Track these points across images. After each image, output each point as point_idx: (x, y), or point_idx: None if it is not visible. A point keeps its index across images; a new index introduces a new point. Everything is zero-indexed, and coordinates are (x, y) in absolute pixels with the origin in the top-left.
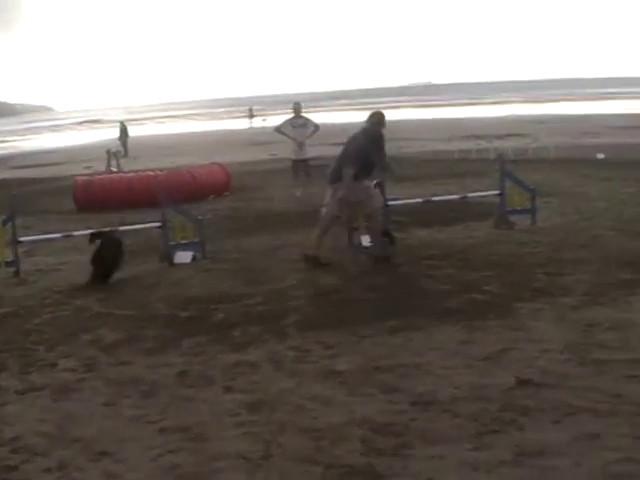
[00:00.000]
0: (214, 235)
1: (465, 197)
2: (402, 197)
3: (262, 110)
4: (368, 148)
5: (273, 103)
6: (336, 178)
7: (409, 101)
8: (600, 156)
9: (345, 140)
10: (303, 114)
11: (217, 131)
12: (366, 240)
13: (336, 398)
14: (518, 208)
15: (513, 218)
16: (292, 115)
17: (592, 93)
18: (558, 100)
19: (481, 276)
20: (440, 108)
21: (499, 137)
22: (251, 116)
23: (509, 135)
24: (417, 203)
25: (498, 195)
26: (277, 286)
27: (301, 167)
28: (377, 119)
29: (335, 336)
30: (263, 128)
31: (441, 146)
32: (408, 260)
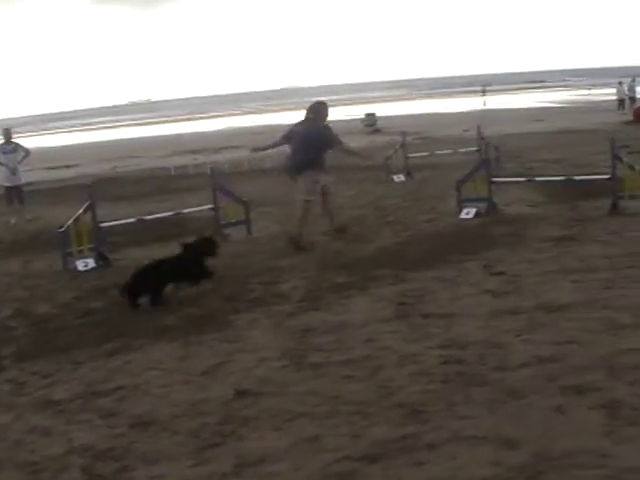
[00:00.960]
0: None
1: (179, 213)
2: (116, 217)
3: None
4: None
5: None
6: (304, 167)
7: (128, 120)
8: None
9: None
10: (13, 140)
11: None
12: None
13: (55, 428)
14: (233, 220)
15: (229, 230)
16: (2, 141)
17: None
18: (278, 110)
19: (198, 291)
20: (159, 125)
21: (216, 151)
22: None
23: (226, 148)
24: (131, 222)
25: (212, 209)
26: None
27: (14, 194)
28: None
29: (52, 365)
30: None
31: (158, 163)
32: (122, 281)
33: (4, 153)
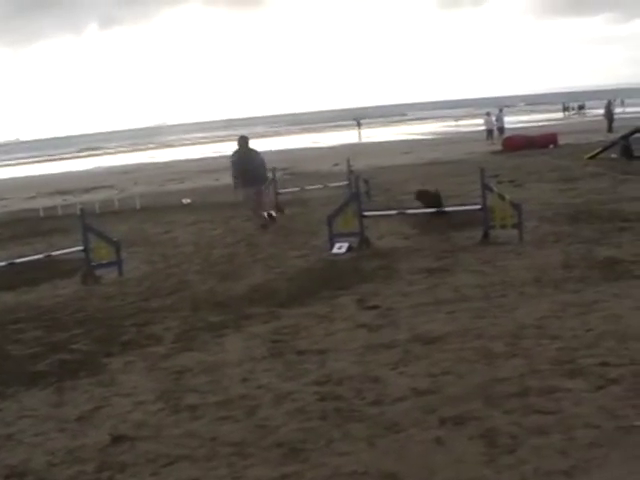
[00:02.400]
0: None
1: (50, 255)
2: None
3: None
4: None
5: None
6: (253, 182)
7: None
8: (186, 201)
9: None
10: None
11: None
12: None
13: None
14: (104, 261)
15: (100, 272)
16: None
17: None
18: (144, 149)
19: (70, 335)
20: (26, 165)
21: (86, 190)
22: None
23: (96, 188)
24: (1, 266)
25: (83, 251)
26: None
27: None
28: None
29: None
30: None
31: (26, 205)
32: None
33: None
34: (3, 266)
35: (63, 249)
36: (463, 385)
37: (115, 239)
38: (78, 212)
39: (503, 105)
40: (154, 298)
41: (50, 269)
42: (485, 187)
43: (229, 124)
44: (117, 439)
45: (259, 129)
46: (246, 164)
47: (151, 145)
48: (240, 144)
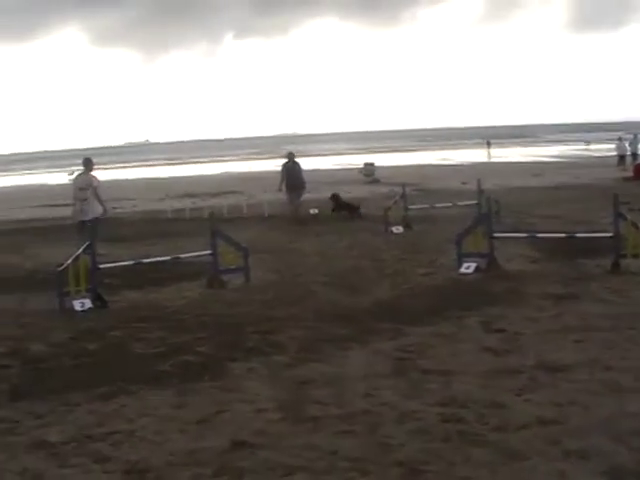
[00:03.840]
0: None
1: (177, 258)
2: (113, 259)
3: None
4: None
5: None
6: (296, 188)
7: (124, 161)
8: (313, 211)
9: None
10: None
11: None
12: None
13: (48, 471)
14: (231, 267)
15: (226, 277)
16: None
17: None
18: (273, 157)
19: (194, 337)
20: (156, 167)
21: (215, 195)
22: None
23: (225, 193)
24: (128, 265)
25: (210, 255)
26: None
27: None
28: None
29: (46, 405)
30: None
31: (155, 206)
32: (119, 323)
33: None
34: (130, 265)
35: (190, 252)
36: (589, 417)
37: (244, 245)
38: (206, 216)
39: (638, 131)
40: (279, 306)
41: (176, 271)
42: (618, 214)
43: (363, 136)
44: (237, 445)
45: (390, 143)
46: (292, 174)
47: (280, 153)
48: (288, 158)
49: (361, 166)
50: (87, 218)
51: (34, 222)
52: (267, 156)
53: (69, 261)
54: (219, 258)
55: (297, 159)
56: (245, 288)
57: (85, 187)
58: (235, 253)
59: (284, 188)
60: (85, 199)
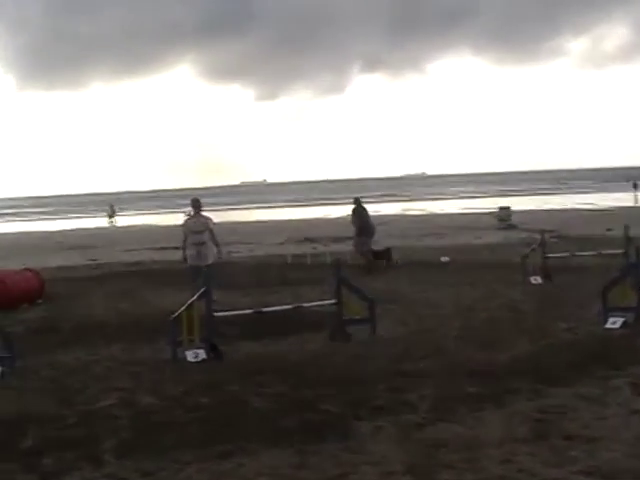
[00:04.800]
0: (25, 348)
1: (299, 307)
2: (230, 307)
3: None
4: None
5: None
6: (370, 233)
7: (240, 202)
8: (444, 259)
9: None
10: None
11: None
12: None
13: None
14: (356, 318)
15: (351, 329)
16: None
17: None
18: (401, 199)
19: (316, 393)
20: (274, 209)
21: (336, 240)
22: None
23: (347, 238)
24: (246, 313)
25: (334, 304)
26: (93, 406)
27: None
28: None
29: (155, 463)
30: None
31: (273, 250)
32: (237, 377)
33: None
34: (248, 314)
35: (312, 301)
36: None
37: (370, 295)
38: (329, 262)
39: None
40: (408, 362)
41: (298, 321)
42: None
43: (496, 178)
44: None
45: (525, 185)
46: (362, 219)
47: (408, 195)
48: (356, 203)
49: (495, 210)
50: (205, 263)
51: (144, 266)
52: (394, 198)
53: (183, 308)
54: (344, 308)
55: (365, 204)
56: (371, 341)
57: (201, 230)
58: (361, 303)
59: (356, 234)
60: (202, 242)
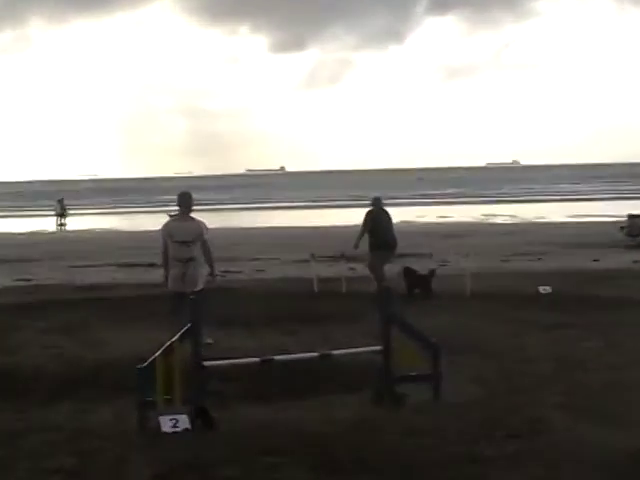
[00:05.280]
0: None
1: (328, 355)
2: (227, 353)
3: None
4: None
5: None
6: (385, 246)
7: (248, 199)
8: (544, 290)
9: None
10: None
11: None
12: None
13: None
14: (411, 373)
15: (405, 388)
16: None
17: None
18: (477, 201)
19: None
20: (292, 210)
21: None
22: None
23: (404, 255)
24: (251, 363)
25: (380, 352)
26: None
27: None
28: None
29: None
30: None
31: (291, 271)
32: (233, 457)
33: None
34: (254, 363)
35: (346, 347)
36: None
37: (433, 339)
38: (372, 290)
39: None
40: (488, 442)
41: (325, 376)
42: None
43: (631, 172)
44: None
45: None
46: (379, 227)
47: (492, 193)
48: (374, 205)
49: (623, 219)
50: (192, 289)
51: (102, 290)
52: (469, 199)
53: (158, 353)
54: (394, 358)
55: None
56: (433, 408)
57: (190, 240)
58: (418, 351)
59: (370, 247)
60: (190, 259)
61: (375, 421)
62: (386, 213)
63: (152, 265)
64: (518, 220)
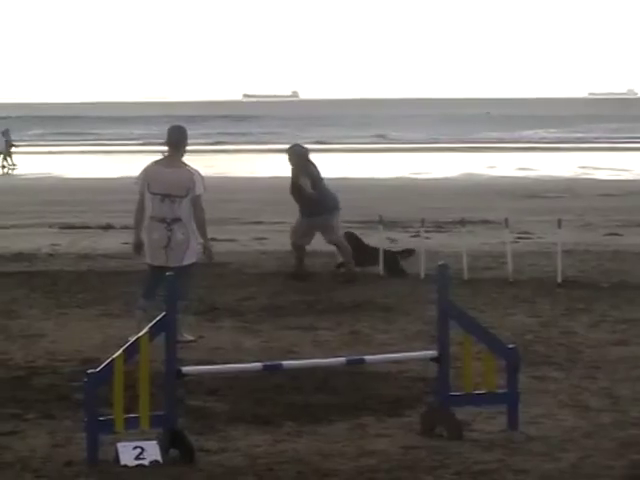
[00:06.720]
0: None
1: (359, 361)
2: (217, 356)
3: None
4: None
5: None
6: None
7: (248, 136)
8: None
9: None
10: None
11: None
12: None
13: None
14: (478, 391)
15: (465, 412)
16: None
17: None
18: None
19: None
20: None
21: (439, 226)
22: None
23: (464, 221)
24: (249, 370)
25: (434, 360)
26: None
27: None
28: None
29: None
30: None
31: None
32: None
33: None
34: (254, 371)
35: (384, 350)
36: None
37: (510, 345)
38: (425, 272)
39: None
40: None
41: (353, 390)
42: None
43: None
44: None
45: None
46: (318, 184)
47: (598, 138)
48: (298, 155)
49: None
50: (177, 264)
51: (39, 262)
52: (564, 145)
53: (116, 354)
54: (453, 367)
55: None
56: (510, 440)
57: (177, 194)
58: (488, 360)
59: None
60: (176, 220)
61: (423, 459)
62: (314, 165)
63: (109, 227)
64: (633, 176)
